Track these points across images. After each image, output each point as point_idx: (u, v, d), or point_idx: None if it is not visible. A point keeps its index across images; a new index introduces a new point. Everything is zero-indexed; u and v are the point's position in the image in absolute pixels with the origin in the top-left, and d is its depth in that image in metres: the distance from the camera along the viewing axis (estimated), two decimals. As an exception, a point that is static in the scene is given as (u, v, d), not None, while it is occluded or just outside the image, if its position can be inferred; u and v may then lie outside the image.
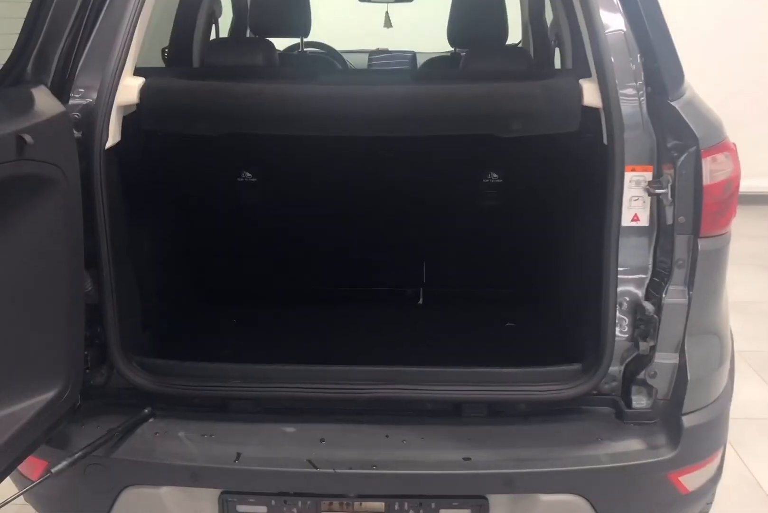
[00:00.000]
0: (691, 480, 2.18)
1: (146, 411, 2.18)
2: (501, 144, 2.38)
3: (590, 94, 2.16)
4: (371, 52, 4.97)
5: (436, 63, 4.16)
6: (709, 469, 2.24)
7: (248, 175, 2.74)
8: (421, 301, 3.06)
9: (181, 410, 2.23)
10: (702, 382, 2.17)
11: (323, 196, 2.79)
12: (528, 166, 2.67)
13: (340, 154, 2.64)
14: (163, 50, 3.74)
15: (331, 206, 2.82)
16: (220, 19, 3.90)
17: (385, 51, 4.98)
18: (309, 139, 2.42)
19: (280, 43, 4.41)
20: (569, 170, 2.51)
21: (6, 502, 1.80)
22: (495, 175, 2.75)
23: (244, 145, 2.61)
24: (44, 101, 1.82)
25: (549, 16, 3.98)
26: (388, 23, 4.66)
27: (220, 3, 3.87)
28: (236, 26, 4.20)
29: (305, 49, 4.32)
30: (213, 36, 3.94)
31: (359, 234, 2.91)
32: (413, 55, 4.82)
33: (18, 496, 1.93)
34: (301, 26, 3.33)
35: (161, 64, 3.71)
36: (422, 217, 2.88)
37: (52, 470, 1.95)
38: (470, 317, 2.87)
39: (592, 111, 2.19)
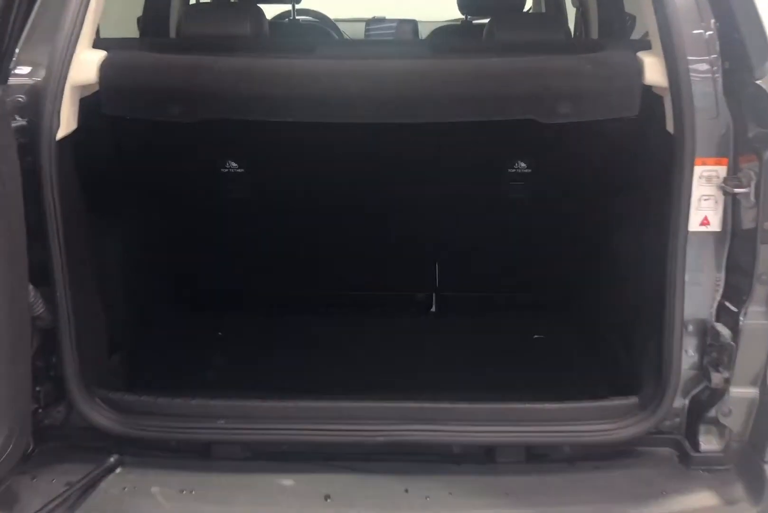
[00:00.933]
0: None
1: (112, 459, 1.81)
2: (532, 127, 1.97)
3: (653, 71, 1.78)
4: (368, 21, 4.51)
5: (447, 33, 3.70)
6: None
7: (234, 165, 2.32)
8: (434, 309, 2.67)
9: (156, 457, 1.86)
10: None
11: (321, 189, 2.38)
12: (564, 154, 2.27)
13: (341, 140, 2.23)
14: (138, 19, 3.29)
15: (331, 201, 2.42)
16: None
17: (383, 19, 4.53)
18: (306, 123, 2.00)
19: (267, 11, 3.99)
20: (618, 161, 2.12)
21: None
22: (523, 165, 2.34)
23: (229, 131, 2.17)
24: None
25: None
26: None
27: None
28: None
29: (297, 18, 3.87)
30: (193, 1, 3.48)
31: (362, 232, 2.52)
32: (414, 24, 4.37)
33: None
34: None
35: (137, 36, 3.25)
36: (435, 212, 2.48)
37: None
38: (492, 328, 2.52)
39: (651, 90, 1.79)
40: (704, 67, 1.72)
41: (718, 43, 1.72)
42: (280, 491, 1.75)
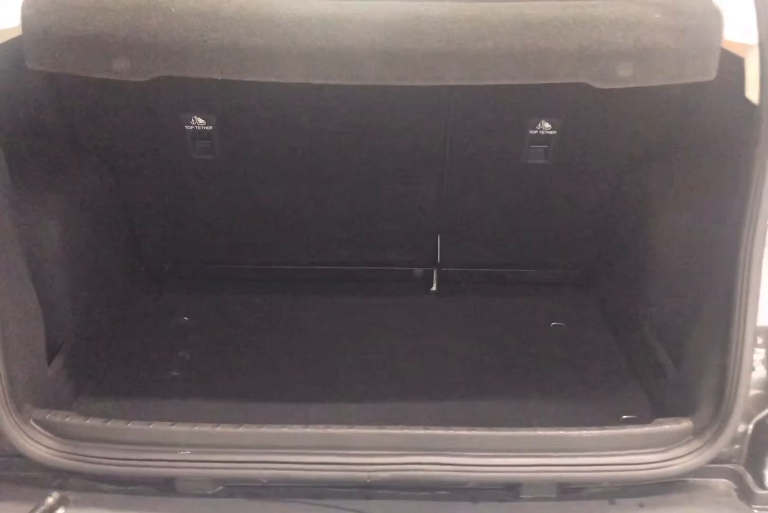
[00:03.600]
0: None
1: (51, 499, 1.46)
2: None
3: (737, 25, 1.37)
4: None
5: None
6: None
7: (201, 121, 1.93)
8: (434, 287, 2.32)
9: (106, 492, 1.51)
10: None
11: (303, 148, 2.01)
12: (597, 114, 1.90)
13: (328, 91, 1.84)
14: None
15: (313, 161, 2.05)
16: None
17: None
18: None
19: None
20: (673, 128, 1.76)
21: None
22: (547, 125, 1.98)
23: (193, 81, 1.77)
24: None
25: None
26: None
27: None
28: None
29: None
30: None
31: (352, 199, 2.16)
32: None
33: None
34: None
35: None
36: (438, 176, 2.12)
37: None
38: (501, 312, 2.19)
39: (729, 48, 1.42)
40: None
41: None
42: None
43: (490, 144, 2.04)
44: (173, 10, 1.30)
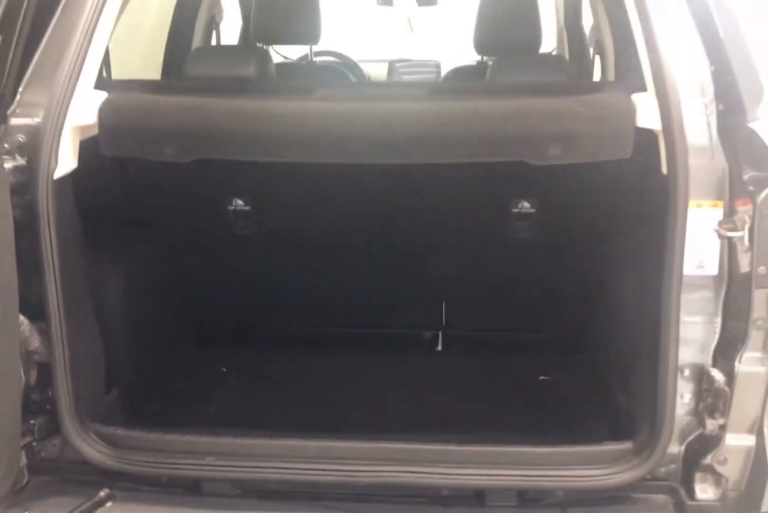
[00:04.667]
0: None
1: (102, 493, 1.82)
2: (535, 168, 1.97)
3: (646, 113, 1.75)
4: (392, 62, 4.58)
5: (461, 74, 3.75)
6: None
7: (240, 202, 2.36)
8: (440, 347, 2.66)
9: (146, 492, 1.86)
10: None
11: (327, 226, 2.41)
12: (567, 194, 2.27)
13: (346, 179, 2.25)
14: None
15: (336, 238, 2.43)
16: (222, 25, 3.51)
17: (408, 60, 4.58)
18: (311, 163, 2.03)
19: (294, 52, 4.06)
20: (618, 202, 2.11)
21: None
22: (527, 205, 2.34)
23: (235, 169, 2.22)
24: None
25: (588, 21, 3.57)
26: (409, 29, 4.25)
27: (221, 6, 3.49)
28: (245, 34, 3.82)
29: (315, 59, 3.93)
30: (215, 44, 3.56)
31: (369, 270, 2.53)
32: (437, 65, 4.41)
33: None
34: (310, 33, 2.96)
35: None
36: (442, 251, 2.49)
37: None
38: (497, 369, 2.49)
39: (647, 132, 1.79)
40: (699, 109, 1.72)
41: (712, 86, 1.73)
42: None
43: (480, 222, 2.41)
44: (208, 108, 1.75)
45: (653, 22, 1.72)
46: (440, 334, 2.68)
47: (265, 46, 3.10)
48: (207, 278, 2.53)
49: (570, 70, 2.31)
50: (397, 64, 4.49)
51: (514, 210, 2.37)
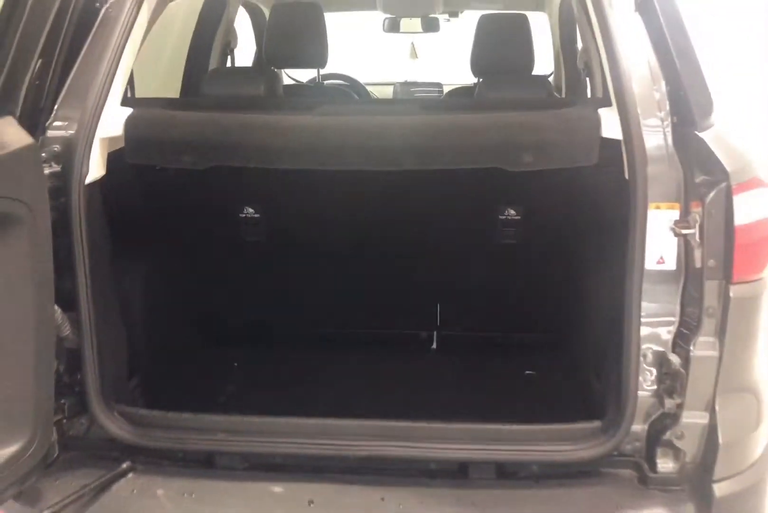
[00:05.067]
0: (724, 556, 1.95)
1: (125, 465, 2.03)
2: (519, 178, 2.18)
3: (609, 125, 1.97)
4: (397, 84, 4.83)
5: (458, 94, 4.00)
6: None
7: (251, 210, 2.59)
8: (434, 346, 2.87)
9: (164, 465, 2.07)
10: (736, 446, 1.96)
11: (329, 233, 2.63)
12: (549, 201, 2.48)
13: (348, 189, 2.48)
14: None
15: (338, 245, 2.65)
16: (237, 50, 3.78)
17: (413, 83, 4.84)
18: (315, 174, 2.26)
19: (305, 76, 4.31)
20: (592, 207, 2.32)
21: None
22: (513, 212, 2.56)
23: (246, 179, 2.46)
24: (9, 133, 1.69)
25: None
26: (413, 54, 4.51)
27: (235, 33, 3.76)
28: (259, 58, 4.09)
29: (325, 82, 4.18)
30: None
31: (369, 274, 2.74)
32: (440, 87, 4.67)
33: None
34: (317, 57, 3.20)
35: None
36: (436, 255, 2.70)
37: (9, 530, 1.80)
38: (487, 364, 2.69)
39: (615, 142, 2.00)
40: (655, 121, 1.92)
41: (668, 101, 1.94)
42: (270, 496, 1.95)
43: (470, 228, 2.63)
44: (219, 123, 1.99)
45: (616, 46, 1.93)
46: (435, 333, 2.88)
47: (275, 69, 3.35)
48: (219, 281, 2.76)
49: (550, 89, 2.53)
50: (402, 86, 4.75)
51: (501, 217, 2.59)
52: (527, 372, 2.65)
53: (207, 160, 2.04)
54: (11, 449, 1.76)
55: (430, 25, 4.31)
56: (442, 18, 4.35)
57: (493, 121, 2.01)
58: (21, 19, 1.76)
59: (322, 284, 2.76)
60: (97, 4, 2.05)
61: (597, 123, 1.99)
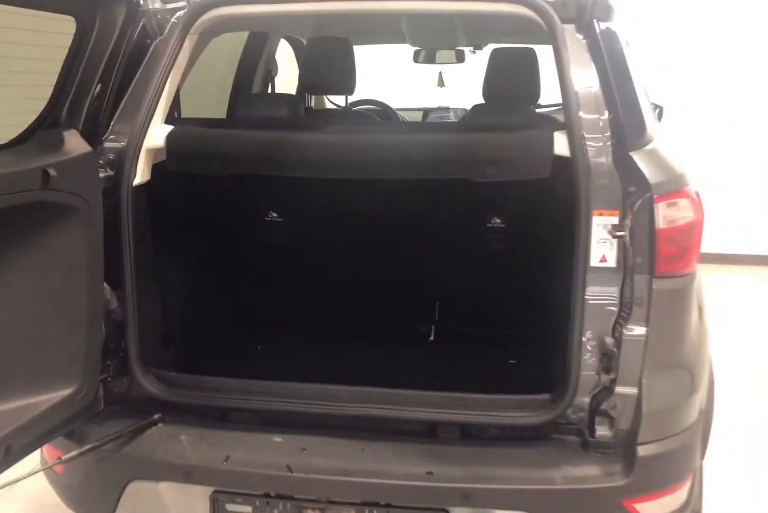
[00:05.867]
0: (648, 509, 2.30)
1: (156, 417, 2.47)
2: (503, 190, 2.60)
3: (560, 144, 2.37)
4: (425, 110, 5.29)
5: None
6: (670, 500, 2.35)
7: (274, 215, 3.04)
8: (432, 338, 3.27)
9: (188, 418, 2.50)
10: (661, 414, 2.30)
11: (341, 237, 3.06)
12: (527, 211, 2.88)
13: (357, 198, 2.91)
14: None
15: (349, 246, 3.09)
16: (277, 78, 4.29)
17: (442, 108, 5.28)
18: (329, 185, 2.70)
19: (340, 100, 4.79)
20: (558, 215, 2.71)
21: (16, 481, 2.10)
22: (498, 220, 2.97)
23: (270, 188, 2.93)
24: (73, 142, 2.17)
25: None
26: (441, 83, 4.96)
27: (276, 63, 4.26)
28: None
29: (358, 107, 4.65)
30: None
31: (375, 273, 3.16)
32: (466, 112, 5.10)
33: (29, 475, 2.22)
34: (345, 85, 3.61)
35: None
36: (434, 258, 3.12)
37: (63, 458, 2.26)
38: (476, 354, 3.05)
39: (565, 159, 2.39)
40: (599, 143, 2.29)
41: (609, 126, 2.33)
42: (271, 444, 2.37)
43: (464, 235, 3.04)
44: (241, 138, 2.45)
45: (568, 82, 2.33)
46: (433, 327, 3.28)
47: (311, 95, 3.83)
48: (245, 275, 3.21)
49: (532, 114, 2.94)
50: (431, 112, 5.21)
51: (488, 225, 3.00)
52: (510, 361, 3.02)
53: (230, 168, 2.51)
54: (66, 392, 2.22)
55: (457, 57, 4.76)
56: (467, 50, 4.80)
57: (464, 141, 2.44)
58: (86, 52, 2.23)
59: (334, 281, 3.19)
60: (148, 41, 2.52)
61: (550, 143, 2.38)
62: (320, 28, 4.09)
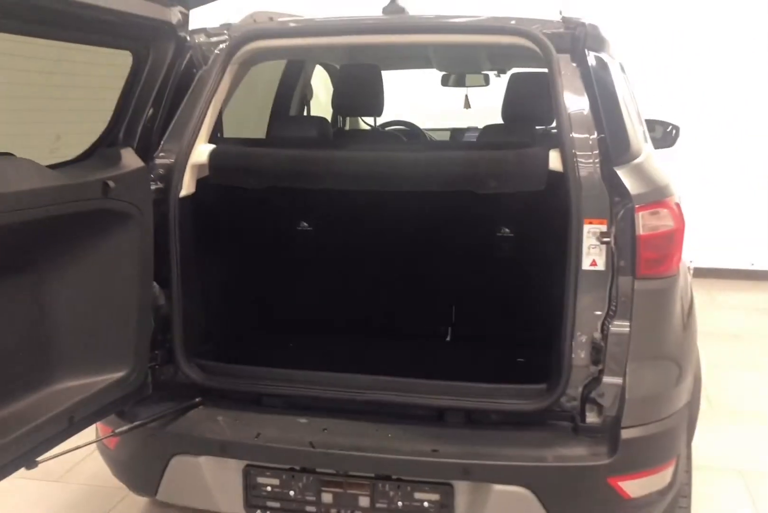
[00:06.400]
0: (632, 487, 2.55)
1: (197, 400, 2.80)
2: (510, 203, 2.91)
3: (555, 161, 2.66)
4: (453, 130, 5.62)
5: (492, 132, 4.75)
6: (654, 480, 2.61)
7: (305, 224, 3.38)
8: (449, 338, 3.56)
9: (225, 402, 2.83)
10: (644, 402, 2.56)
11: (365, 246, 3.38)
12: (532, 222, 3.18)
13: (379, 211, 3.24)
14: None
15: (373, 254, 3.40)
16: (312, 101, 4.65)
17: (470, 128, 5.60)
18: (355, 200, 3.03)
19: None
20: (559, 225, 3.00)
21: (72, 450, 2.45)
22: (507, 230, 3.27)
23: (302, 201, 3.27)
24: (129, 159, 2.52)
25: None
26: (467, 104, 5.29)
27: (311, 88, 4.63)
28: (335, 107, 4.94)
29: (389, 127, 5.01)
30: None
31: (397, 277, 3.47)
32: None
33: (86, 445, 2.56)
34: (374, 107, 3.91)
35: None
36: (450, 266, 3.42)
37: (116, 431, 2.60)
38: (488, 352, 3.33)
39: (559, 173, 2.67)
40: (590, 159, 2.58)
41: (598, 144, 2.62)
42: (296, 424, 2.69)
43: (476, 244, 3.34)
44: (273, 155, 2.81)
45: (561, 107, 2.63)
46: (450, 328, 3.58)
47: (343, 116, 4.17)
48: (278, 280, 3.54)
49: (534, 134, 3.25)
50: (457, 131, 5.53)
51: (498, 234, 3.30)
52: (519, 359, 3.30)
53: (263, 182, 2.86)
54: (119, 375, 2.56)
55: (482, 80, 5.10)
56: (492, 74, 5.13)
57: (469, 157, 2.76)
58: (140, 81, 2.59)
59: (359, 285, 3.51)
60: (194, 70, 2.88)
61: (545, 159, 2.67)
62: (353, 56, 4.44)
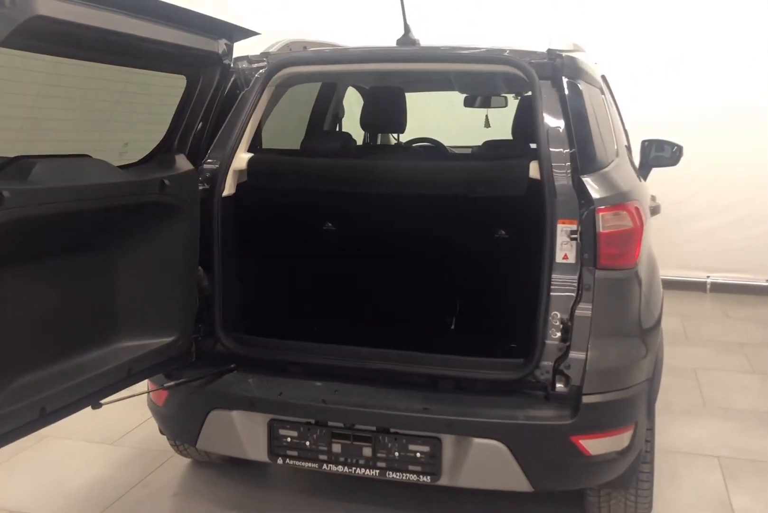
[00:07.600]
0: (593, 445, 3.01)
1: (232, 366, 3.34)
2: (505, 206, 3.42)
3: (534, 170, 3.17)
4: (473, 147, 6.12)
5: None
6: (612, 441, 3.05)
7: (330, 224, 3.92)
8: (453, 326, 4.06)
9: (254, 368, 3.37)
10: (603, 373, 3.01)
11: (382, 246, 3.91)
12: (524, 224, 3.67)
13: (395, 215, 3.76)
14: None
15: (389, 252, 3.93)
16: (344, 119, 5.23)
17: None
18: (374, 204, 3.56)
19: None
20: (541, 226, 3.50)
21: (126, 398, 2.99)
22: (503, 232, 3.77)
23: (327, 203, 3.82)
24: (181, 163, 3.10)
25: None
26: (487, 124, 5.80)
27: (343, 107, 5.21)
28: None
29: (415, 144, 5.53)
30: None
31: (409, 273, 3.98)
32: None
33: (140, 394, 3.13)
34: (397, 125, 4.42)
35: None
36: (455, 264, 3.93)
37: (165, 385, 3.15)
38: (487, 339, 3.80)
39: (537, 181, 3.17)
40: (563, 169, 3.06)
41: (570, 157, 3.12)
42: (312, 386, 3.20)
43: (476, 245, 3.84)
44: (301, 163, 3.37)
45: (541, 123, 3.14)
46: (454, 319, 4.08)
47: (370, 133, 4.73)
48: (304, 272, 4.08)
49: (525, 149, 3.76)
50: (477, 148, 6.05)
51: (495, 236, 3.81)
52: (512, 345, 3.78)
53: (289, 184, 3.42)
54: (168, 339, 3.11)
55: (501, 102, 5.64)
56: (510, 96, 5.66)
57: (462, 166, 3.29)
58: (192, 100, 3.17)
59: (374, 279, 4.03)
60: (237, 91, 3.46)
61: (526, 169, 3.18)
62: (382, 79, 5.00)
